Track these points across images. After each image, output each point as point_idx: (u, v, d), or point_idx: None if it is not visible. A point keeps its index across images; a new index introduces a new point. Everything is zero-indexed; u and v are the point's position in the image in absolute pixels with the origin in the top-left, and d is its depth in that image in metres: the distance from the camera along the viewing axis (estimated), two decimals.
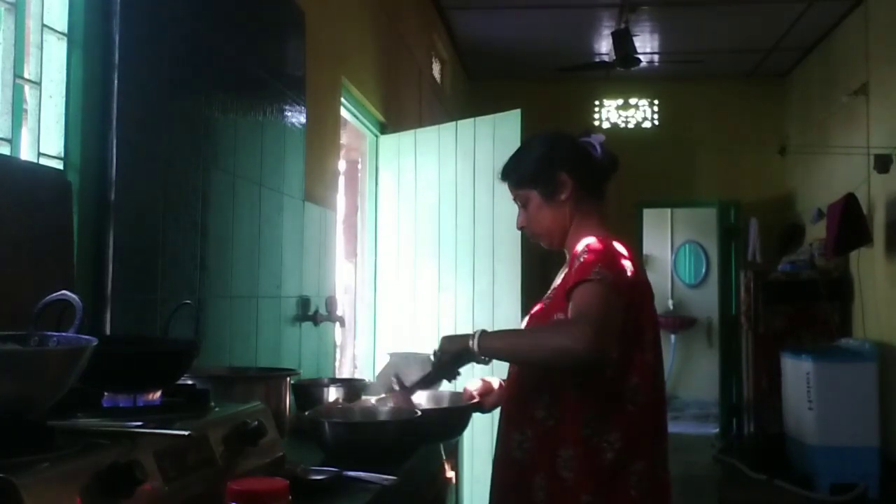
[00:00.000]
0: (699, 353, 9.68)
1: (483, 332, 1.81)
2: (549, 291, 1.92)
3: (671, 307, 9.96)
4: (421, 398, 2.16)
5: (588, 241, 1.79)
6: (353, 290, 4.49)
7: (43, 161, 1.76)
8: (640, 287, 1.78)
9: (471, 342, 1.79)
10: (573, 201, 1.89)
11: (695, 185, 8.42)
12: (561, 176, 1.88)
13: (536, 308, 1.92)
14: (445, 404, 2.20)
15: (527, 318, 1.96)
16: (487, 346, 1.78)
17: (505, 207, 3.40)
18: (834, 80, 6.83)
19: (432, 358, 1.92)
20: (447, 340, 1.88)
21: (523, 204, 1.93)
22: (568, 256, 1.91)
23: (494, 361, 1.88)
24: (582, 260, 1.72)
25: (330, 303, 3.35)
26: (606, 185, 1.97)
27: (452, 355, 1.86)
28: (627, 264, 1.75)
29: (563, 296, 1.74)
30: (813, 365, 5.57)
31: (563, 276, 1.86)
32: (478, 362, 1.84)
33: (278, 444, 1.55)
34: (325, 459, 1.86)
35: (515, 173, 1.94)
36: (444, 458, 2.36)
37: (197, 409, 1.42)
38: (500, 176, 1.98)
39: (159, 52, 2.06)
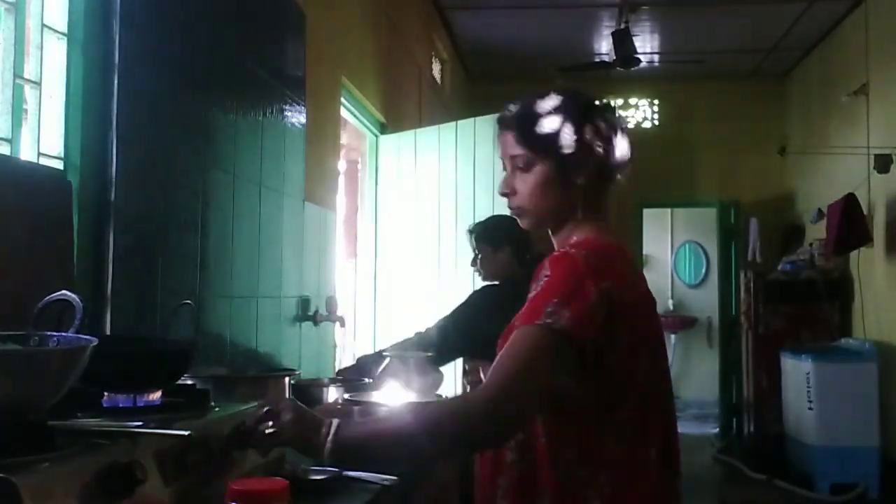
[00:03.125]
0: (699, 353, 9.68)
1: (340, 424, 1.28)
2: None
3: (671, 307, 9.95)
4: (421, 397, 2.16)
5: (562, 251, 1.39)
6: (353, 290, 4.49)
7: (43, 161, 1.76)
8: (631, 307, 1.36)
9: (323, 437, 1.26)
10: (591, 188, 1.47)
11: (695, 185, 8.42)
12: (588, 150, 1.44)
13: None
14: None
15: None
16: (344, 440, 1.27)
17: (505, 207, 3.39)
18: (834, 80, 6.83)
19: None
20: (292, 424, 1.30)
21: (523, 166, 1.46)
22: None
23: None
24: (542, 284, 1.32)
25: (330, 303, 3.35)
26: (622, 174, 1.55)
27: (293, 439, 1.31)
28: (604, 288, 1.31)
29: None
30: (813, 365, 5.56)
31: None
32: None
33: None
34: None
35: (529, 125, 1.46)
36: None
37: (197, 409, 1.42)
38: (499, 121, 1.50)
39: (159, 52, 2.06)
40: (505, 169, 1.52)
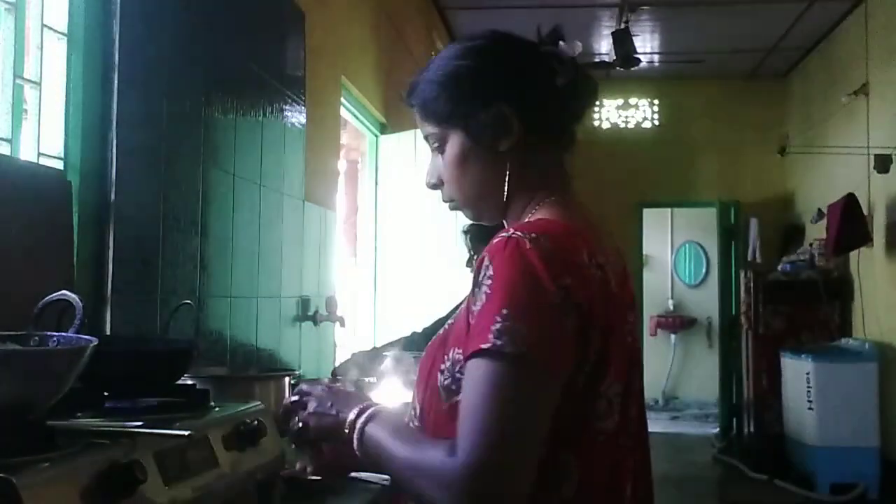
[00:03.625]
0: (699, 353, 9.68)
1: (371, 416, 1.11)
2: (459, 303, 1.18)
3: (671, 307, 9.96)
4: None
5: (503, 237, 1.03)
6: (353, 290, 4.49)
7: (43, 161, 1.76)
8: (601, 310, 1.03)
9: (349, 429, 1.12)
10: (520, 153, 1.15)
11: (695, 185, 8.42)
12: (500, 109, 1.13)
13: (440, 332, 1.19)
14: None
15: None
16: (367, 443, 1.10)
17: None
18: (834, 80, 6.83)
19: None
20: (316, 416, 1.20)
21: (438, 145, 1.19)
22: None
23: None
24: (484, 291, 1.00)
25: (330, 303, 3.35)
26: (575, 128, 1.22)
27: (318, 432, 1.21)
28: (566, 284, 0.99)
29: (464, 331, 1.05)
30: (813, 365, 5.57)
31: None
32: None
33: (278, 444, 1.54)
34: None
35: (425, 94, 1.18)
36: None
37: (197, 409, 1.42)
38: (404, 97, 1.23)
39: (159, 52, 2.05)
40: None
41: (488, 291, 0.99)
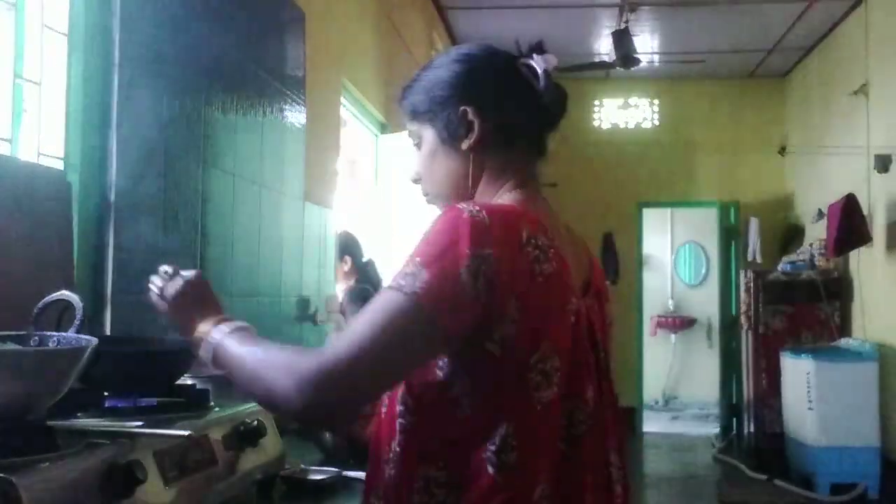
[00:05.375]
0: (699, 353, 9.68)
1: (232, 330, 1.22)
2: None
3: (671, 307, 9.96)
4: None
5: (455, 205, 1.13)
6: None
7: (43, 161, 1.76)
8: (525, 286, 1.09)
9: (204, 338, 1.21)
10: (482, 153, 1.26)
11: (695, 185, 8.42)
12: (465, 111, 1.25)
13: None
14: None
15: None
16: (222, 354, 1.18)
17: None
18: (834, 80, 6.83)
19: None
20: (174, 308, 1.29)
21: (417, 143, 1.33)
22: None
23: None
24: (419, 242, 1.12)
25: (330, 303, 3.35)
26: (546, 135, 1.31)
27: (172, 308, 1.30)
28: (482, 255, 1.06)
29: None
30: (813, 365, 5.56)
31: None
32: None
33: (278, 444, 1.55)
34: (325, 459, 1.86)
35: (411, 96, 1.32)
36: None
37: (197, 409, 1.42)
38: (398, 99, 1.36)
39: (159, 52, 2.05)
40: None
41: (421, 240, 1.11)
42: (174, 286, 1.28)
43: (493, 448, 1.09)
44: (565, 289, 1.15)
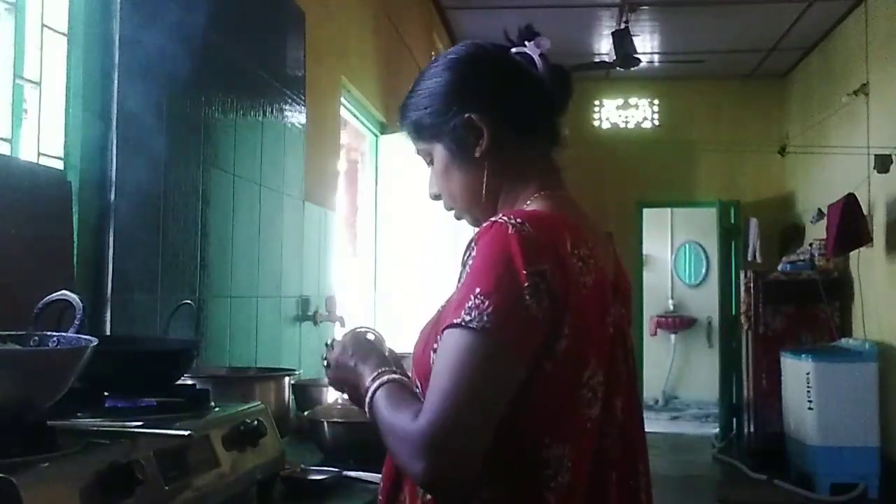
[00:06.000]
0: (699, 353, 9.68)
1: (382, 384, 1.13)
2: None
3: (671, 307, 9.96)
4: None
5: (492, 220, 1.09)
6: (353, 290, 4.49)
7: (43, 161, 1.76)
8: (576, 299, 1.06)
9: (366, 393, 1.14)
10: (496, 155, 1.21)
11: (695, 185, 8.42)
12: (469, 119, 1.20)
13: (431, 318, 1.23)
14: None
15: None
16: (373, 409, 1.13)
17: None
18: (834, 80, 6.83)
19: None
20: (336, 366, 1.27)
21: (430, 161, 1.28)
22: None
23: None
24: (466, 270, 1.08)
25: (330, 303, 3.35)
26: (557, 120, 1.26)
27: (336, 380, 1.28)
28: (538, 271, 1.03)
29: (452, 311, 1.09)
30: (813, 365, 5.56)
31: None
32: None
33: (278, 444, 1.55)
34: (325, 459, 1.86)
35: (411, 115, 1.27)
36: None
37: (197, 409, 1.42)
38: (399, 121, 1.32)
39: (159, 52, 2.05)
40: None
41: (469, 271, 1.06)
42: (333, 355, 1.26)
43: (550, 472, 1.06)
44: (605, 299, 1.13)
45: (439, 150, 1.24)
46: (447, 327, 1.04)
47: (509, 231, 1.05)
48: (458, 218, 1.30)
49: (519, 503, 1.07)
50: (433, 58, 1.33)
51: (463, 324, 1.01)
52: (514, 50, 1.24)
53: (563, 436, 1.07)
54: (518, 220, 1.07)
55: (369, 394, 1.13)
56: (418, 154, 1.29)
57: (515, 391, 1.04)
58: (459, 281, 1.08)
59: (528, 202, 1.19)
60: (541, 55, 1.23)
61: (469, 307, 1.02)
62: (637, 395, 1.22)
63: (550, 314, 1.03)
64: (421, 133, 1.26)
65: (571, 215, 1.17)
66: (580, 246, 1.09)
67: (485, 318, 1.01)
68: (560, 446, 1.07)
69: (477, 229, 1.11)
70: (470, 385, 1.00)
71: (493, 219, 1.09)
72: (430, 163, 1.27)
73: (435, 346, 1.10)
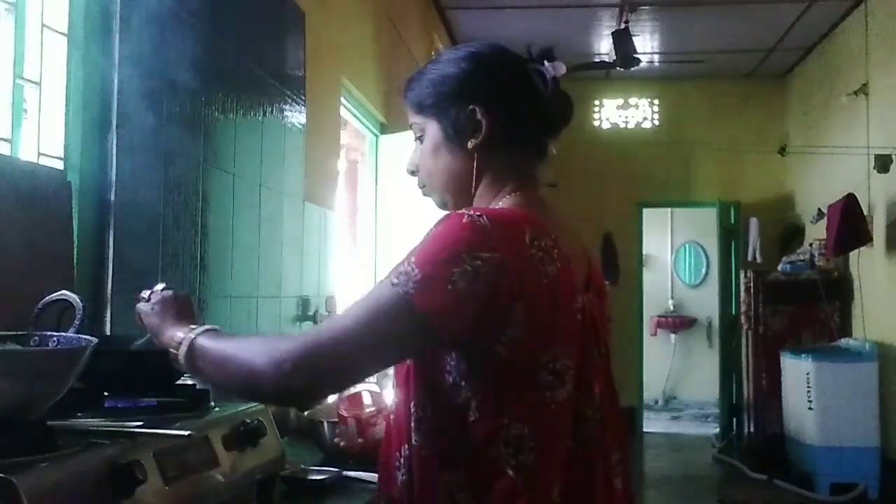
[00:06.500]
0: (699, 353, 9.68)
1: (203, 330, 1.17)
2: None
3: (671, 307, 9.96)
4: None
5: (460, 212, 1.14)
6: (353, 290, 4.49)
7: (43, 161, 1.76)
8: (534, 287, 1.11)
9: (186, 335, 1.17)
10: (486, 152, 1.25)
11: (695, 185, 8.42)
12: (473, 110, 1.24)
13: None
14: None
15: None
16: (196, 352, 1.16)
17: None
18: (834, 80, 6.83)
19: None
20: (156, 312, 1.26)
21: (419, 135, 1.32)
22: None
23: None
24: (418, 243, 1.13)
25: (330, 303, 3.35)
26: (549, 140, 1.31)
27: (150, 327, 1.28)
28: (486, 257, 1.07)
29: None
30: (813, 365, 5.56)
31: None
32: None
33: (278, 444, 1.55)
34: (325, 459, 1.86)
35: (417, 88, 1.31)
36: None
37: (197, 409, 1.42)
38: (402, 89, 1.35)
39: (159, 51, 2.05)
40: None
41: (416, 245, 1.11)
42: (157, 296, 1.29)
43: (510, 450, 1.10)
44: (571, 287, 1.17)
45: (434, 129, 1.28)
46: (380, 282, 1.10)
47: (464, 220, 1.10)
48: (426, 195, 1.34)
49: (480, 481, 1.11)
50: (453, 47, 1.38)
51: (390, 282, 1.07)
52: (532, 65, 1.29)
53: (521, 416, 1.11)
54: (477, 213, 1.12)
55: (193, 333, 1.16)
56: (410, 127, 1.33)
57: (408, 358, 1.13)
58: None
59: (501, 201, 1.26)
60: (553, 78, 1.28)
61: (400, 271, 1.08)
62: (612, 384, 1.27)
63: (488, 301, 1.07)
64: (422, 108, 1.29)
65: (538, 212, 1.22)
66: (542, 238, 1.13)
67: (410, 284, 1.06)
68: (519, 426, 1.11)
69: (444, 212, 1.18)
70: (367, 329, 1.06)
71: (461, 211, 1.13)
72: (419, 138, 1.31)
73: (448, 366, 1.14)
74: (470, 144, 1.25)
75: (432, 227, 1.14)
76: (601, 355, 1.24)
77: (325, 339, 1.06)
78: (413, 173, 1.34)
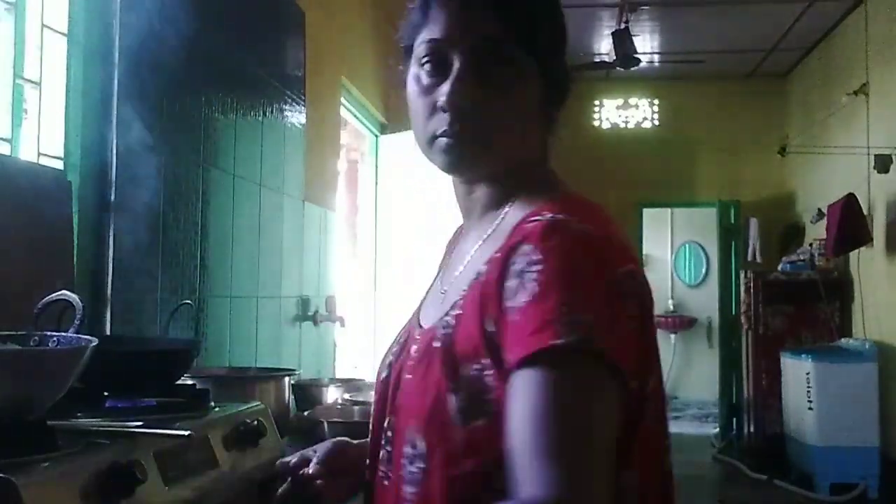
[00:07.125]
0: (699, 353, 9.68)
1: None
2: (443, 287, 1.10)
3: (671, 307, 9.95)
4: None
5: (542, 223, 0.86)
6: (353, 290, 4.49)
7: (43, 161, 1.76)
8: (647, 311, 0.90)
9: None
10: (546, 118, 1.01)
11: (695, 185, 8.42)
12: (566, 67, 1.01)
13: (425, 329, 1.03)
14: None
15: (404, 338, 1.13)
16: None
17: None
18: (834, 80, 6.83)
19: None
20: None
21: (495, 60, 0.94)
22: (494, 224, 1.00)
23: None
24: (530, 283, 0.81)
25: (330, 303, 3.35)
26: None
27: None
28: (630, 269, 0.86)
29: (477, 339, 0.85)
30: (813, 365, 5.56)
31: (477, 274, 0.92)
32: None
33: (278, 444, 1.55)
34: None
35: (529, 5, 0.96)
36: None
37: (197, 409, 1.42)
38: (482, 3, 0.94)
39: (159, 52, 2.06)
40: (451, 64, 0.95)
41: (537, 284, 0.81)
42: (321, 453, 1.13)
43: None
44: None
45: (529, 70, 0.95)
46: (527, 362, 0.77)
47: (579, 229, 0.85)
48: (453, 137, 0.97)
49: None
50: None
51: (559, 346, 0.75)
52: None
53: (631, 460, 0.85)
54: (575, 217, 0.87)
55: None
56: (483, 40, 0.94)
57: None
58: (511, 296, 0.82)
59: (556, 189, 1.01)
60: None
61: (556, 329, 0.76)
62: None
63: (639, 324, 0.84)
64: (533, 40, 0.95)
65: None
66: (624, 241, 0.92)
67: (582, 330, 0.76)
68: (629, 473, 0.84)
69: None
70: (584, 435, 0.75)
71: (540, 218, 0.86)
72: (496, 63, 0.94)
73: (452, 385, 0.87)
74: (555, 109, 1.00)
75: (532, 249, 0.83)
76: None
77: (558, 484, 0.72)
78: (453, 108, 0.95)
